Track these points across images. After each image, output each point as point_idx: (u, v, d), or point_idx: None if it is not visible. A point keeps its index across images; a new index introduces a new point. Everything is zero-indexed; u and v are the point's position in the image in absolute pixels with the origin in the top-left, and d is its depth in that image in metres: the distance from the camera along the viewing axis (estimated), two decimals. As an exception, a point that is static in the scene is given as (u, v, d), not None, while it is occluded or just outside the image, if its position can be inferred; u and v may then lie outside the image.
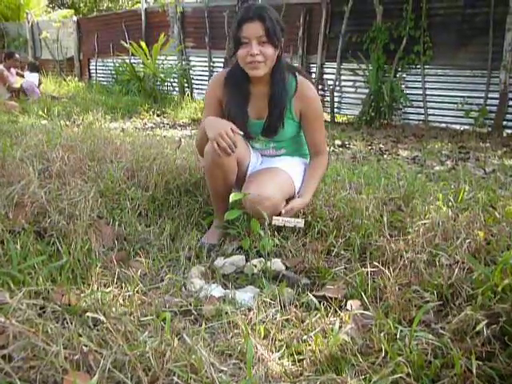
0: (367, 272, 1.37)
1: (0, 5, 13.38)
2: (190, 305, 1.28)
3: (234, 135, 1.57)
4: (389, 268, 1.37)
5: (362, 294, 1.31)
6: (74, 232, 1.56)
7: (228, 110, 1.77)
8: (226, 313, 1.21)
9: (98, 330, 1.06)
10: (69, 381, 0.84)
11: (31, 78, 7.15)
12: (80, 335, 0.99)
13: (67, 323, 1.07)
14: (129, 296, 1.27)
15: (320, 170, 1.87)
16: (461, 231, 1.62)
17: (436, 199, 2.00)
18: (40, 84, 7.37)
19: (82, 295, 1.24)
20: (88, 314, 1.03)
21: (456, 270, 1.32)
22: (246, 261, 1.61)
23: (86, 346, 0.94)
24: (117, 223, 1.77)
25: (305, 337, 1.12)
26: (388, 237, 1.65)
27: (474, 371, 0.89)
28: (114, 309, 1.18)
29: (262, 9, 1.63)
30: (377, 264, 1.37)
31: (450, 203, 1.98)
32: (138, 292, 1.32)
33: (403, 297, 1.25)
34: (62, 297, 1.22)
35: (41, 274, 1.28)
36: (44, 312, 1.11)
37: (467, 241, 1.50)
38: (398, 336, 1.06)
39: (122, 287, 1.34)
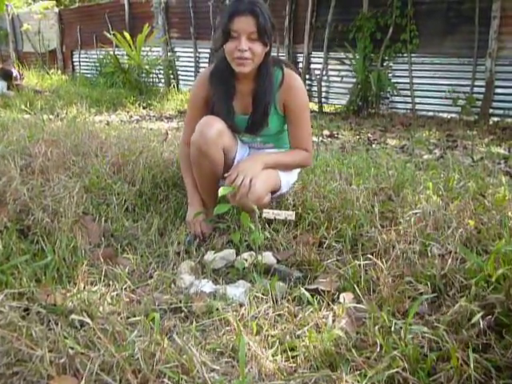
0: (359, 264, 1.35)
1: (-22, -3, 13.02)
2: (180, 302, 1.25)
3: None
4: (381, 259, 1.35)
5: (355, 286, 1.29)
6: (58, 229, 1.52)
7: (213, 106, 1.73)
8: (217, 309, 1.18)
9: (84, 331, 1.03)
10: (54, 387, 0.80)
11: None
12: (66, 337, 0.95)
13: (53, 325, 1.03)
14: (117, 294, 1.24)
15: (296, 155, 1.78)
16: (452, 220, 1.62)
17: (426, 188, 1.99)
18: (22, 78, 7.20)
19: (68, 295, 1.20)
20: (73, 316, 1.00)
21: (449, 260, 1.30)
22: (237, 255, 1.58)
23: (73, 348, 0.91)
24: (103, 219, 1.73)
25: (298, 332, 1.10)
26: (379, 227, 1.63)
27: (472, 364, 0.87)
28: (101, 308, 1.15)
29: (255, 3, 1.57)
30: (370, 256, 1.35)
31: (440, 192, 1.97)
32: (126, 289, 1.28)
33: (396, 288, 1.24)
34: (47, 297, 1.18)
35: (24, 274, 1.24)
36: (28, 314, 1.08)
37: (459, 230, 1.49)
38: (392, 329, 1.04)
39: (109, 285, 1.30)
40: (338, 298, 1.27)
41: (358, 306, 1.17)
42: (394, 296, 1.21)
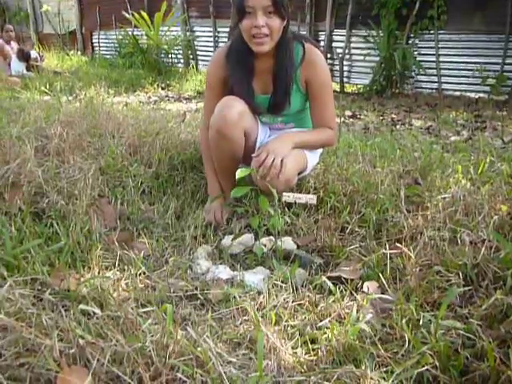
0: (384, 251, 1.28)
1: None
2: (196, 289, 1.21)
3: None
4: (408, 246, 1.28)
5: (380, 274, 1.22)
6: (73, 212, 1.49)
7: (232, 87, 1.66)
8: (234, 297, 1.13)
9: (97, 318, 0.99)
10: (62, 379, 0.77)
11: (18, 67, 6.61)
12: (77, 327, 0.91)
13: (64, 312, 0.99)
14: (131, 280, 1.20)
15: (321, 134, 1.70)
16: (483, 205, 1.52)
17: (455, 171, 1.89)
18: (43, 59, 7.20)
19: (82, 280, 1.17)
20: (81, 306, 0.95)
21: (482, 248, 1.22)
22: (255, 240, 1.52)
23: (83, 338, 0.87)
24: (119, 202, 1.69)
25: (319, 323, 1.04)
26: (405, 212, 1.55)
27: None
28: (115, 294, 1.11)
29: None
30: (398, 244, 1.27)
31: (470, 176, 1.86)
32: (140, 275, 1.24)
33: (425, 278, 1.16)
34: (61, 282, 1.15)
35: (37, 258, 1.21)
36: (40, 300, 1.04)
37: (494, 217, 1.39)
38: (421, 322, 0.97)
39: (124, 270, 1.26)
40: (362, 287, 1.20)
41: (384, 296, 1.10)
42: (422, 286, 1.14)
